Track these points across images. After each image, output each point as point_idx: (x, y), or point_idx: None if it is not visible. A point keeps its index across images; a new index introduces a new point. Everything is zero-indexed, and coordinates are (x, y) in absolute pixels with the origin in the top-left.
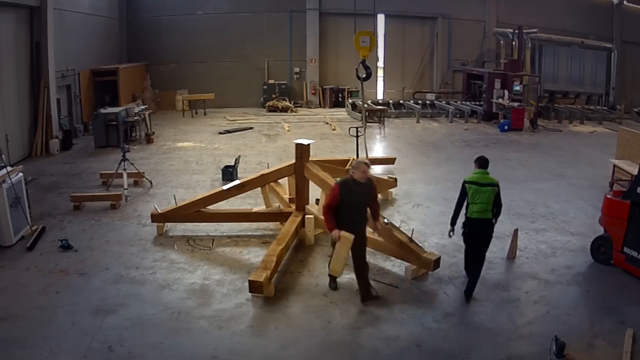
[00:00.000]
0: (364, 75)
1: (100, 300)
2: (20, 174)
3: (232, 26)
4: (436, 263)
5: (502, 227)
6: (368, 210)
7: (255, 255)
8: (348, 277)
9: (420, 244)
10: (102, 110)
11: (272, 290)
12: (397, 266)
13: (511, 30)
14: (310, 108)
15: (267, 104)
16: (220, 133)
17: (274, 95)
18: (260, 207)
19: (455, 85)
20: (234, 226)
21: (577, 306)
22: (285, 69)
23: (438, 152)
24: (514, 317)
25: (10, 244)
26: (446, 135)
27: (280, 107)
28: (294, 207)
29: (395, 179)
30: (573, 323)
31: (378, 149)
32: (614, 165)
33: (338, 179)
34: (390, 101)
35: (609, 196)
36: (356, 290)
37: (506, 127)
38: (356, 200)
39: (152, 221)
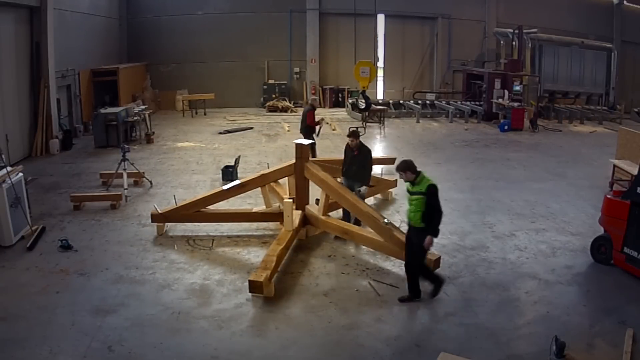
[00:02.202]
0: (364, 107)
1: (100, 300)
2: (20, 174)
3: (232, 26)
4: (436, 263)
5: (503, 227)
6: None
7: (255, 255)
8: (348, 277)
9: None
10: (102, 110)
11: (272, 290)
12: (397, 266)
13: (511, 30)
14: None
15: (267, 104)
16: (220, 133)
17: (274, 95)
18: (260, 207)
19: (455, 85)
20: (234, 226)
21: (577, 306)
22: (285, 69)
23: (438, 152)
24: (514, 317)
25: (10, 244)
26: (446, 135)
27: (280, 107)
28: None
29: (396, 180)
30: (573, 323)
31: (378, 149)
32: (614, 165)
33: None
34: (390, 101)
35: (609, 196)
36: (356, 290)
37: (506, 127)
38: None
39: (152, 221)
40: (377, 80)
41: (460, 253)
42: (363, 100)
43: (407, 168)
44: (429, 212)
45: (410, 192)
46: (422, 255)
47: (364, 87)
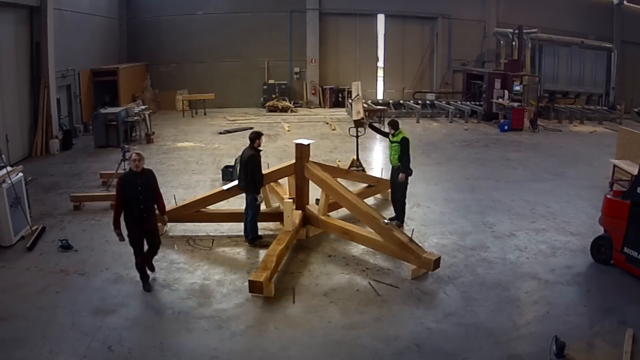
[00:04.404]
0: None
1: (100, 300)
2: (20, 174)
3: (232, 26)
4: (436, 263)
5: (503, 227)
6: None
7: (255, 255)
8: (348, 277)
9: (420, 244)
10: (102, 110)
11: (272, 290)
12: (397, 266)
13: (511, 30)
14: (310, 108)
15: (267, 104)
16: (220, 133)
17: (274, 95)
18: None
19: (455, 85)
20: (234, 226)
21: (577, 306)
22: (285, 69)
23: (438, 152)
24: (514, 317)
25: (10, 244)
26: (446, 135)
27: (280, 107)
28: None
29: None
30: (573, 323)
31: (378, 149)
32: (614, 165)
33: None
34: (390, 101)
35: (609, 196)
36: (356, 290)
37: (506, 127)
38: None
39: None
40: (377, 80)
41: (460, 253)
42: None
43: (392, 125)
44: (401, 155)
45: (391, 141)
46: (404, 187)
47: None
